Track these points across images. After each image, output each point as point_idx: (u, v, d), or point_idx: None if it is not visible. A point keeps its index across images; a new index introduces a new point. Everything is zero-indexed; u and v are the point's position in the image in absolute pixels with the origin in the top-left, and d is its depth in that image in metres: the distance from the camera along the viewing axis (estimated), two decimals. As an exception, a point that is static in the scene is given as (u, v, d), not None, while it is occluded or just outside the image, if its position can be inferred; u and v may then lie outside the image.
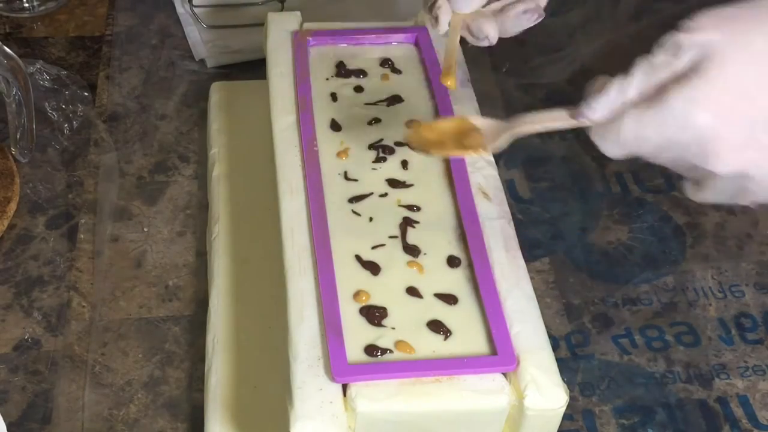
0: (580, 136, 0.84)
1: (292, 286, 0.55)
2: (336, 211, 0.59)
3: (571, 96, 0.93)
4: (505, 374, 0.52)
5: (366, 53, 0.70)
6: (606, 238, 0.76)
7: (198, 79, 0.87)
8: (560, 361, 0.53)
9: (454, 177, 0.61)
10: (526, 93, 0.88)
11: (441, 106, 0.65)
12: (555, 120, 0.56)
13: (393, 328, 0.53)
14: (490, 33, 0.58)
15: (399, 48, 0.71)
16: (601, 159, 0.82)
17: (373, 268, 0.56)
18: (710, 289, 0.73)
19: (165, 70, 0.88)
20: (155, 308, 0.69)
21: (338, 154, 0.63)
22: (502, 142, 0.56)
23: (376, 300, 0.55)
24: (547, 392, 0.51)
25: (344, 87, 0.67)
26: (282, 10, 0.91)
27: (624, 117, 0.48)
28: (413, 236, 0.58)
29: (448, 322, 0.54)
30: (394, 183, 0.61)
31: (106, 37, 0.90)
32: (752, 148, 0.46)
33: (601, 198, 0.79)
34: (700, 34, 0.47)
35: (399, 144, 0.63)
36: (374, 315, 0.54)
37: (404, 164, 0.62)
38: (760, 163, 0.47)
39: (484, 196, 0.60)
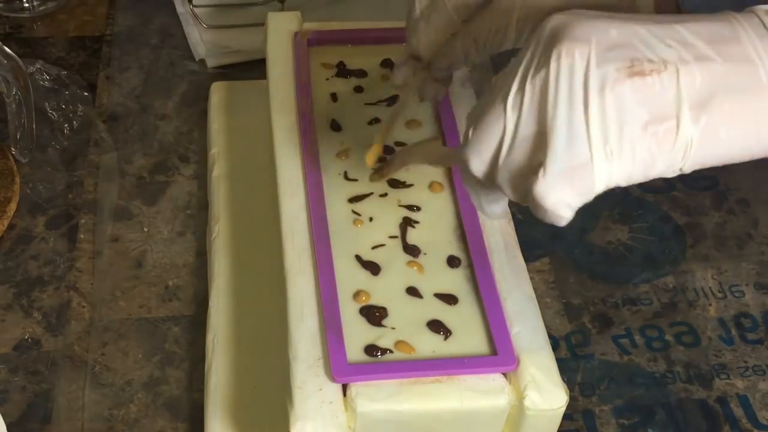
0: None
1: (292, 286, 0.55)
2: (336, 211, 0.59)
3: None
4: (505, 374, 0.52)
5: (366, 53, 0.70)
6: (606, 238, 0.76)
7: (198, 79, 0.87)
8: (560, 361, 0.53)
9: (454, 177, 0.61)
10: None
11: (441, 107, 0.65)
12: (439, 160, 0.55)
13: (393, 328, 0.53)
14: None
15: (399, 48, 0.71)
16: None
17: (373, 268, 0.56)
18: (710, 289, 0.73)
19: (165, 70, 0.88)
20: (155, 308, 0.69)
21: (338, 154, 0.63)
22: (385, 175, 0.59)
23: (376, 300, 0.55)
24: (547, 392, 0.51)
25: (344, 87, 0.67)
26: (282, 10, 0.91)
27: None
28: (413, 236, 0.58)
29: (448, 322, 0.54)
30: (394, 183, 0.61)
31: (106, 37, 0.90)
32: None
33: (600, 198, 0.79)
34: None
35: (399, 144, 0.63)
36: (374, 315, 0.54)
37: (404, 164, 0.62)
38: None
39: (484, 196, 0.60)
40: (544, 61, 0.41)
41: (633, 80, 0.40)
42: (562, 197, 0.42)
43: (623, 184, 0.42)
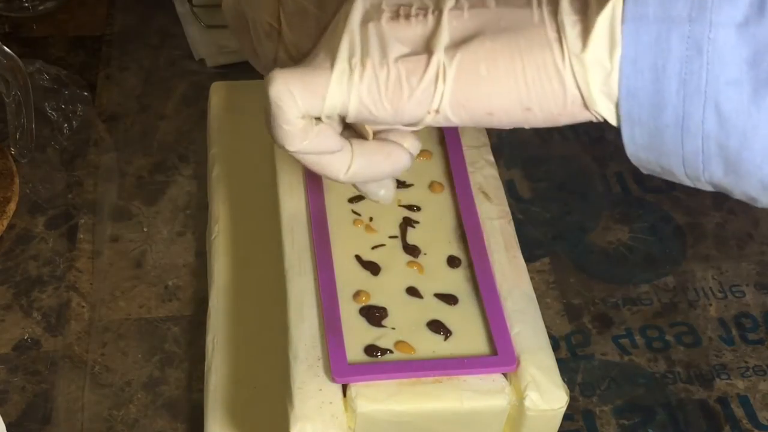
0: (580, 136, 0.84)
1: (292, 286, 0.55)
2: (336, 211, 0.59)
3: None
4: (505, 374, 0.52)
5: (366, 53, 0.70)
6: (606, 238, 0.76)
7: (198, 79, 0.87)
8: (560, 361, 0.53)
9: (454, 177, 0.61)
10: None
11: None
12: None
13: (393, 329, 0.53)
14: None
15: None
16: (602, 159, 0.82)
17: (373, 268, 0.56)
18: (711, 289, 0.73)
19: (165, 70, 0.88)
20: (155, 308, 0.69)
21: (338, 154, 0.63)
22: None
23: (376, 300, 0.55)
24: (547, 393, 0.51)
25: (344, 87, 0.67)
26: (282, 9, 0.90)
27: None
28: (413, 236, 0.58)
29: (448, 322, 0.54)
30: (394, 183, 0.61)
31: (106, 37, 0.90)
32: None
33: (601, 198, 0.79)
34: None
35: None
36: (374, 315, 0.54)
37: (404, 164, 0.62)
38: None
39: (484, 196, 0.60)
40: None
41: (397, 20, 0.42)
42: (289, 88, 0.42)
43: (370, 108, 0.42)
